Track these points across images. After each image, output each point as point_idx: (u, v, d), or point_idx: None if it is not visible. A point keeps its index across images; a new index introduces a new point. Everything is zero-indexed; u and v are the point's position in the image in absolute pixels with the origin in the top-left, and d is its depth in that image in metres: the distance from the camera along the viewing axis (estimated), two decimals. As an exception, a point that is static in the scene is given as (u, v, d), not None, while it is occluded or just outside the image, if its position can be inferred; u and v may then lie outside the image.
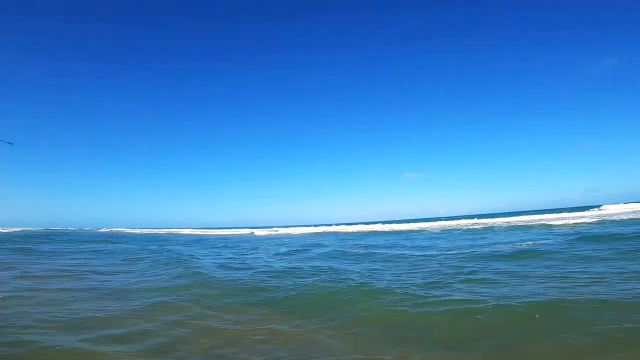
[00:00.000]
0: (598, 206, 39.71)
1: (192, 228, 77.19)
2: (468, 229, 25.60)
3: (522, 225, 23.86)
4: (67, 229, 52.98)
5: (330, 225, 54.39)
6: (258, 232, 47.20)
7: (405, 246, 15.65)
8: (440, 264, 9.38)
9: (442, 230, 27.23)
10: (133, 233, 49.34)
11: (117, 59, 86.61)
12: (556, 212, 42.97)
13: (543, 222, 25.89)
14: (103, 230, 59.42)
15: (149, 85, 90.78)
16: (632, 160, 78.13)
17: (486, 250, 11.79)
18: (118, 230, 59.29)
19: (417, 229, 32.23)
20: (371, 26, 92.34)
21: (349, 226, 48.21)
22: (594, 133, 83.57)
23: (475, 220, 37.71)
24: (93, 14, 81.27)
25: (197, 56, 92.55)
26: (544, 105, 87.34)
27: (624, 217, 24.11)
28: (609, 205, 38.38)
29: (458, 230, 25.22)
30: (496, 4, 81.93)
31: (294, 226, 63.58)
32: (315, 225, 57.45)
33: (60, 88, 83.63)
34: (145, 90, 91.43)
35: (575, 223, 21.81)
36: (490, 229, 23.20)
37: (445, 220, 52.80)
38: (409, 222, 54.95)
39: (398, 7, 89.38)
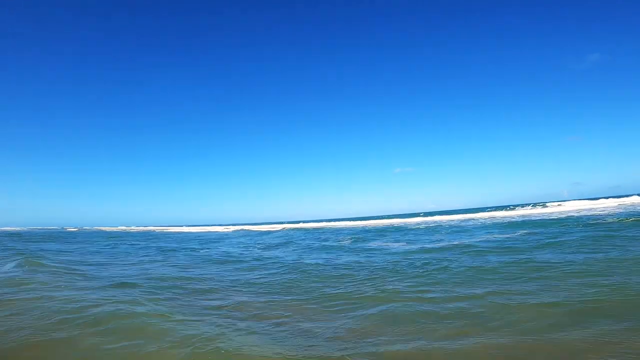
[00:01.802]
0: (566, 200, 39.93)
1: (199, 226, 79.09)
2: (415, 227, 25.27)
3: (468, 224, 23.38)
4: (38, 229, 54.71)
5: (320, 221, 54.95)
6: (230, 229, 47.77)
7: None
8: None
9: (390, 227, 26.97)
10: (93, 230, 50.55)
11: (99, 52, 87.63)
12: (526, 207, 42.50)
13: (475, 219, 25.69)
14: (72, 229, 60.97)
15: (144, 84, 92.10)
16: (619, 154, 76.65)
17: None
18: (100, 229, 60.83)
19: (387, 224, 32.32)
20: (359, 22, 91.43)
21: (322, 223, 48.24)
22: (582, 125, 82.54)
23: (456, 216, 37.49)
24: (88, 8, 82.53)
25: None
26: (532, 99, 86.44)
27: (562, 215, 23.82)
28: (567, 202, 38.30)
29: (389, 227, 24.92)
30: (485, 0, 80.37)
31: (280, 223, 64.16)
32: (304, 222, 58.03)
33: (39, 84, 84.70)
34: (141, 88, 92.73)
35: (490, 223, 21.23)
36: (436, 228, 22.85)
37: (423, 216, 52.37)
38: (390, 218, 54.73)
39: (389, 4, 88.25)
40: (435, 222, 29.79)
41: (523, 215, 28.22)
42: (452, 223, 25.32)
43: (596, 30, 73.04)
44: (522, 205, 46.60)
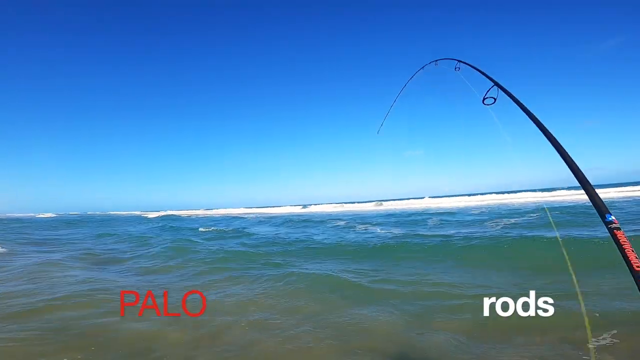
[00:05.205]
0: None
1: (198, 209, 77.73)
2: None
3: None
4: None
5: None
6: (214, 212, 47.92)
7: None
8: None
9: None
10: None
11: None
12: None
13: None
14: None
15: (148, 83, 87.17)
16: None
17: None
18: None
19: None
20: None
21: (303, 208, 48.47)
22: (600, 111, 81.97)
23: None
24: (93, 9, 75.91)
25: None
26: (550, 82, 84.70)
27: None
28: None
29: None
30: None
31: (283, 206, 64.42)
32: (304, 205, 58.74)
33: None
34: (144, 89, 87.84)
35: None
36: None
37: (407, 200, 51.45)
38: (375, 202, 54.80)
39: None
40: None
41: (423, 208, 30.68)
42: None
43: (615, 14, 70.71)
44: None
